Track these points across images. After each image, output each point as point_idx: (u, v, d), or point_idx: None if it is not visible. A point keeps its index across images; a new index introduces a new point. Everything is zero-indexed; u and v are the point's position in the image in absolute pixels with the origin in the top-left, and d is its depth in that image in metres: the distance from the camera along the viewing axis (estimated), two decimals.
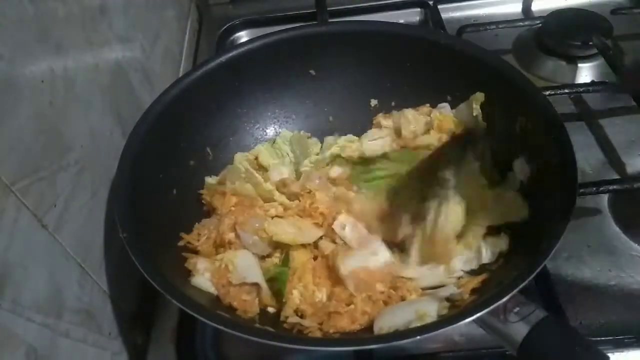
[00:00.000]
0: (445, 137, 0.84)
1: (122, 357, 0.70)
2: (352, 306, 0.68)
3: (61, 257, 0.59)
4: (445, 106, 0.88)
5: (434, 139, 0.84)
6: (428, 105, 0.89)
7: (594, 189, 0.77)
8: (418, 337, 0.55)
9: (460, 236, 0.72)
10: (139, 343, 0.75)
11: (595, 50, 1.05)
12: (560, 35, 1.09)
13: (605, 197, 0.85)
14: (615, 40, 1.10)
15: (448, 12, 1.24)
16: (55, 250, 0.58)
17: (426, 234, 0.72)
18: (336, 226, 0.76)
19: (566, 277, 0.77)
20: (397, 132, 0.88)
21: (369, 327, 0.66)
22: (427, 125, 0.87)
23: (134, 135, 0.76)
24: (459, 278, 0.71)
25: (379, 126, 0.90)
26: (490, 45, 1.11)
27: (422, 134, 0.86)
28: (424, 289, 0.71)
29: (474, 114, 0.82)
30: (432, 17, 1.22)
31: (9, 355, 0.47)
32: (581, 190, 0.75)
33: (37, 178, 0.55)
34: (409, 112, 0.88)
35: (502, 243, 0.69)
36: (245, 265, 0.72)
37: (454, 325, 0.55)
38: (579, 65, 1.07)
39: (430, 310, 0.64)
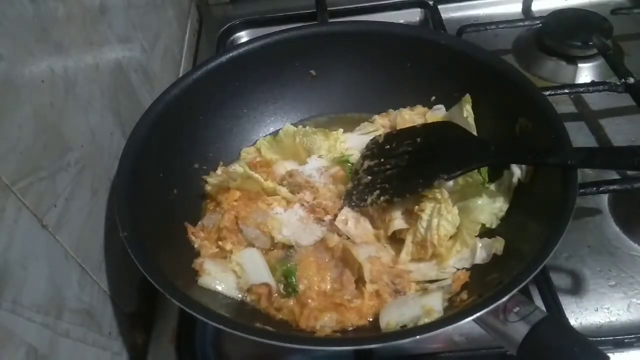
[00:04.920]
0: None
1: (122, 357, 0.70)
2: (359, 301, 0.68)
3: (61, 257, 0.59)
4: (440, 108, 0.89)
5: None
6: (426, 106, 0.90)
7: (594, 189, 0.77)
8: (418, 337, 0.55)
9: (455, 234, 0.72)
10: (139, 343, 0.75)
11: (595, 50, 1.05)
12: (560, 35, 1.09)
13: (605, 197, 0.86)
14: (615, 40, 1.10)
15: (448, 12, 1.25)
16: (55, 250, 0.58)
17: (419, 235, 0.72)
18: (339, 222, 0.77)
19: (566, 278, 0.77)
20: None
21: (376, 322, 0.67)
22: None
23: (134, 135, 0.76)
24: (452, 274, 0.71)
25: (376, 125, 0.90)
26: (490, 45, 1.12)
27: None
28: (417, 282, 0.71)
29: (465, 116, 0.82)
30: (432, 17, 1.22)
31: (9, 355, 0.47)
32: (581, 190, 0.75)
33: (37, 178, 0.55)
34: (406, 112, 0.89)
35: (497, 245, 0.69)
36: (253, 267, 0.72)
37: (454, 325, 0.55)
38: (579, 65, 1.07)
39: (436, 305, 0.64)
